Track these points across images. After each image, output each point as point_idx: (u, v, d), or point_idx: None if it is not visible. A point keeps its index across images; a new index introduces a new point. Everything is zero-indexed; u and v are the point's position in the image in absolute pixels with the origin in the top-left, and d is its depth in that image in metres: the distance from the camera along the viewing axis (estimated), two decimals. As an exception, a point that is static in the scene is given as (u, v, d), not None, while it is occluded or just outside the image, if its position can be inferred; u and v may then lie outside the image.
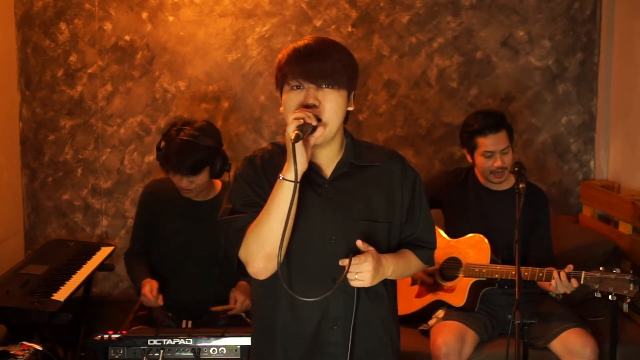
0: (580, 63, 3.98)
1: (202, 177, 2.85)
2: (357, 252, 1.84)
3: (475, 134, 3.01)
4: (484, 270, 2.93)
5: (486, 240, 2.98)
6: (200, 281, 2.95)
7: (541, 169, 4.03)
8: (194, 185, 2.85)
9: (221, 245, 2.82)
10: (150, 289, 2.86)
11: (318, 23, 3.95)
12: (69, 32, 3.97)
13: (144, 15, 3.95)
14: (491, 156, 2.98)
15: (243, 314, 2.90)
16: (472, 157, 3.06)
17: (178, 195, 2.97)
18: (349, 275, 1.81)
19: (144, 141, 4.01)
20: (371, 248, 1.84)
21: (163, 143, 2.87)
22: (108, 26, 3.95)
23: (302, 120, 1.72)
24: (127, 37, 3.96)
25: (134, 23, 3.95)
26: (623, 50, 3.78)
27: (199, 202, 2.96)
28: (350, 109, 1.89)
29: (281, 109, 1.87)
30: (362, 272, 1.80)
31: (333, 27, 3.95)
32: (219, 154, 2.87)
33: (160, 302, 2.83)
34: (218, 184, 3.02)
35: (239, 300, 2.86)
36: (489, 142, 2.98)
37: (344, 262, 1.81)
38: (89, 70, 3.99)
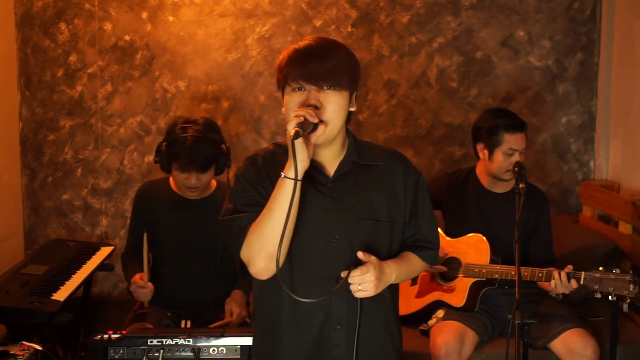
0: (580, 63, 3.98)
1: (209, 174, 2.86)
2: (358, 263, 1.83)
3: (502, 130, 2.97)
4: (484, 271, 2.93)
5: (485, 240, 2.98)
6: (198, 280, 2.95)
7: (541, 169, 4.03)
8: (201, 182, 2.85)
9: (218, 244, 2.83)
10: (140, 277, 2.83)
11: (318, 23, 3.95)
12: (69, 32, 3.97)
13: (144, 15, 3.95)
14: (512, 154, 2.97)
15: (247, 319, 2.90)
16: (490, 154, 3.01)
17: (172, 195, 2.97)
18: (352, 287, 1.81)
19: (144, 141, 4.01)
20: (372, 257, 1.84)
21: (165, 144, 2.85)
22: (108, 26, 3.96)
23: (302, 118, 1.71)
24: (127, 37, 3.96)
25: (134, 23, 3.95)
26: (623, 50, 3.78)
27: (193, 200, 2.96)
28: (352, 109, 1.88)
29: (283, 109, 1.87)
30: (365, 283, 1.80)
31: (333, 27, 3.95)
32: (222, 149, 2.88)
33: (151, 286, 2.79)
34: (213, 182, 3.02)
35: (234, 312, 2.87)
36: (514, 140, 2.97)
37: (344, 274, 1.81)
38: (89, 70, 3.99)
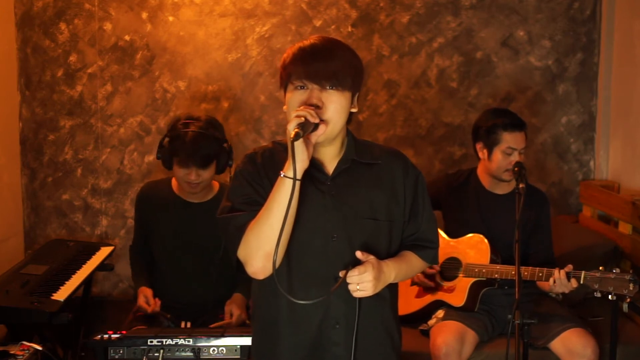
0: (580, 63, 3.98)
1: (209, 172, 2.84)
2: (357, 262, 1.83)
3: (501, 128, 2.97)
4: (484, 270, 2.93)
5: (486, 240, 2.98)
6: (198, 282, 2.95)
7: (541, 169, 4.03)
8: (201, 179, 2.83)
9: (220, 246, 2.83)
10: (145, 299, 2.88)
11: (318, 23, 3.95)
12: (69, 32, 3.97)
13: (144, 15, 3.95)
14: (511, 154, 2.97)
15: (246, 321, 2.90)
16: (490, 153, 3.01)
17: (175, 197, 2.97)
18: (350, 287, 1.80)
19: (144, 141, 4.01)
20: (371, 257, 1.83)
21: (167, 139, 2.85)
22: (108, 26, 3.96)
23: (303, 119, 1.71)
24: (127, 37, 3.96)
25: (134, 23, 3.95)
26: (623, 50, 3.78)
27: (195, 203, 2.96)
28: (353, 110, 1.88)
29: (284, 107, 1.86)
30: (363, 283, 1.80)
31: (333, 27, 3.95)
32: (224, 147, 2.88)
33: (157, 308, 2.85)
34: (215, 185, 3.01)
35: (234, 314, 2.87)
36: (513, 139, 2.97)
37: (342, 273, 1.81)
38: (89, 70, 3.99)
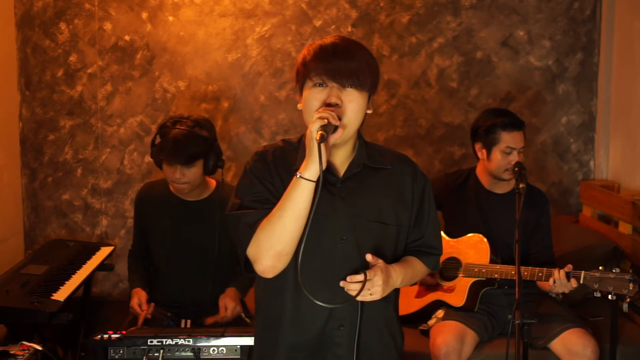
0: (580, 63, 3.99)
1: (196, 171, 2.83)
2: (367, 266, 1.83)
3: (499, 128, 2.97)
4: (484, 270, 2.93)
5: (485, 240, 2.98)
6: (197, 280, 2.95)
7: (541, 169, 4.03)
8: (187, 178, 2.83)
9: (216, 243, 2.83)
10: (138, 302, 2.87)
11: (318, 23, 3.95)
12: (69, 32, 3.97)
13: (144, 15, 3.95)
14: (510, 153, 2.97)
15: (242, 314, 2.90)
16: (488, 153, 3.02)
17: (172, 196, 2.97)
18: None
19: (143, 141, 4.01)
20: (380, 261, 1.83)
21: (158, 138, 2.87)
22: (108, 26, 3.96)
23: (326, 120, 1.72)
24: (127, 37, 3.96)
25: (134, 23, 3.95)
26: (623, 50, 3.78)
27: (192, 201, 2.96)
28: (369, 111, 1.89)
29: (299, 105, 1.86)
30: (373, 287, 1.80)
31: (333, 27, 3.95)
32: (213, 148, 2.87)
33: (149, 315, 2.84)
34: (212, 183, 3.01)
35: (229, 307, 2.86)
36: (512, 139, 2.97)
37: (354, 278, 1.80)
38: (89, 70, 3.99)
